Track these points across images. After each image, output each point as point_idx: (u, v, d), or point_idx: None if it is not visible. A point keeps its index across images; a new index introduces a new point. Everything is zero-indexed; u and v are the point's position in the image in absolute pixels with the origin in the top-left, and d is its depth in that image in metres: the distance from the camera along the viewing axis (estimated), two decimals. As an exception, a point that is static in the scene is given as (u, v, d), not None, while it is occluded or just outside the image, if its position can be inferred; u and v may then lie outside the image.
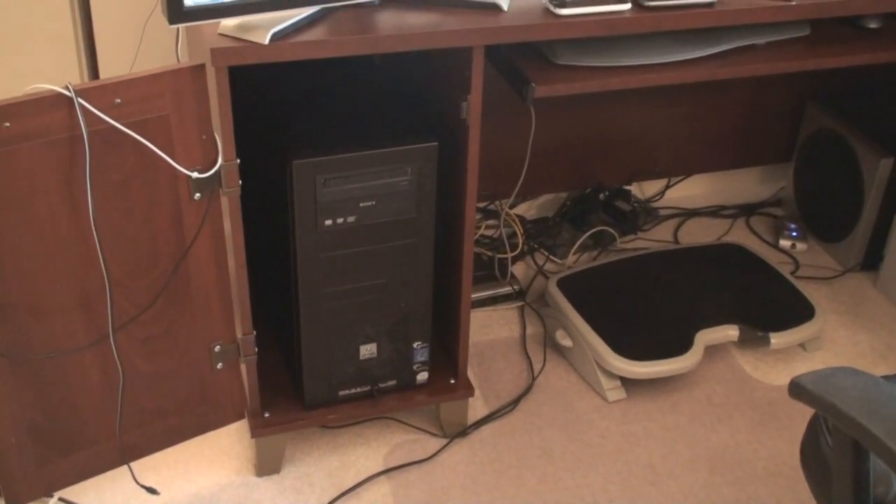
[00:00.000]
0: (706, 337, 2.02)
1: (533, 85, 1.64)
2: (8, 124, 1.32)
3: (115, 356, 1.54)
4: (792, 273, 2.36)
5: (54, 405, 1.57)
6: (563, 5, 1.56)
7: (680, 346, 1.99)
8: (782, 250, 2.48)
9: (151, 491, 1.70)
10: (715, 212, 2.62)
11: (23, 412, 1.54)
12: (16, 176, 1.36)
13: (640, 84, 1.68)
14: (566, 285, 2.16)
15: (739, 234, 2.53)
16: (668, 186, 2.64)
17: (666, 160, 2.58)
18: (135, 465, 1.66)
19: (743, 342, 2.07)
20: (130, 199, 1.46)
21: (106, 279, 1.46)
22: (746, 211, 2.62)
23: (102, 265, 1.45)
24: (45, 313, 1.48)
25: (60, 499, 1.73)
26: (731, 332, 2.04)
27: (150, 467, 1.77)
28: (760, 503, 1.79)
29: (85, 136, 1.35)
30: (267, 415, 1.77)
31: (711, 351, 2.07)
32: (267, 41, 1.41)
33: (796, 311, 2.10)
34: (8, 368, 1.49)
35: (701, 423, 1.96)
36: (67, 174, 1.39)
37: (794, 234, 2.49)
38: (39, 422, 1.56)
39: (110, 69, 1.98)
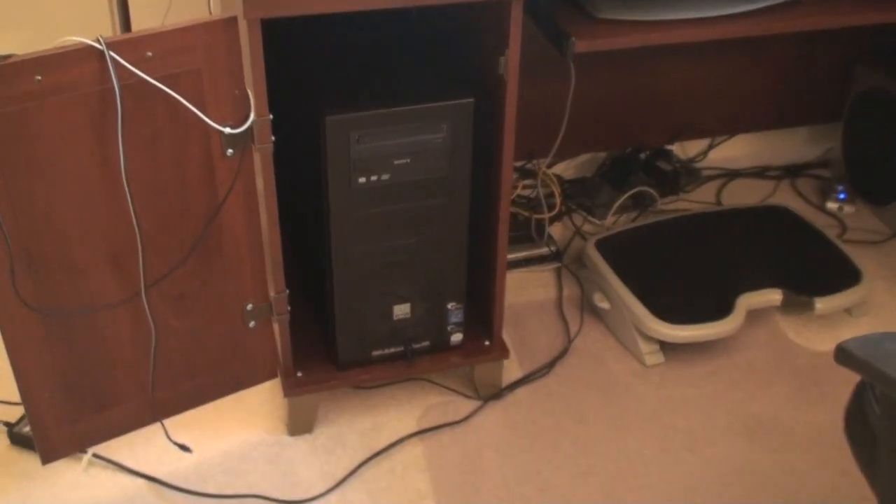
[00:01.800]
0: (748, 301, 2.00)
1: (573, 39, 1.62)
2: (39, 78, 1.33)
3: (148, 313, 1.55)
4: (838, 236, 2.33)
5: (87, 361, 1.59)
6: (605, -44, 1.53)
7: (721, 310, 1.97)
8: (829, 213, 2.44)
9: (184, 448, 1.72)
10: (759, 173, 2.59)
11: (56, 368, 1.56)
12: (47, 130, 1.37)
13: (682, 39, 1.65)
14: (605, 247, 2.14)
15: (784, 196, 2.50)
16: (710, 146, 2.61)
17: (709, 119, 2.55)
18: (167, 422, 1.68)
19: (786, 307, 2.05)
20: (162, 155, 1.47)
21: (138, 235, 1.47)
22: (792, 172, 2.59)
23: (134, 221, 1.46)
24: (77, 269, 1.50)
25: (94, 454, 1.76)
26: (773, 296, 2.02)
27: (183, 425, 1.79)
28: (801, 472, 1.78)
29: (116, 90, 1.35)
30: (300, 374, 1.78)
31: (753, 316, 2.05)
32: (300, -7, 1.40)
33: (842, 276, 2.08)
34: (41, 324, 1.51)
35: (741, 390, 1.95)
36: (98, 129, 1.39)
37: (842, 196, 2.45)
38: (72, 378, 1.58)
39: (142, 22, 1.98)
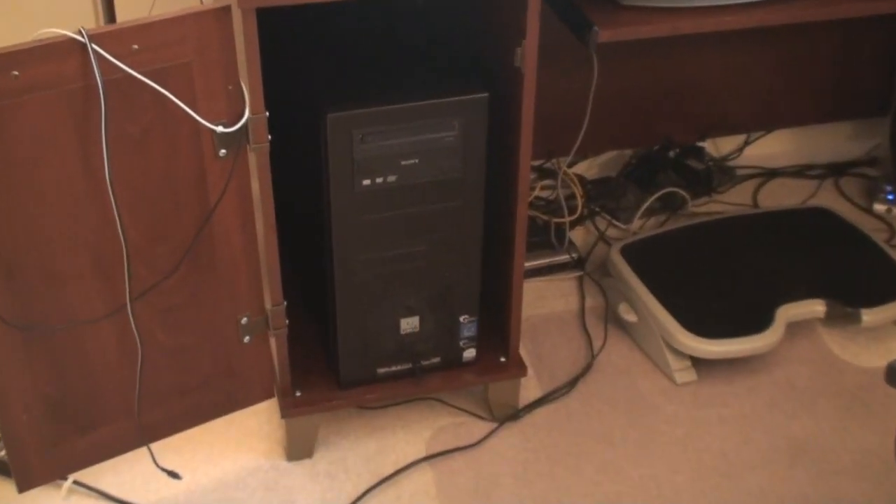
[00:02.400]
0: (788, 312, 2.00)
1: (596, 29, 1.62)
2: (16, 73, 1.34)
3: (134, 328, 1.55)
4: (887, 241, 2.33)
5: (69, 380, 1.60)
6: (630, -62, 1.54)
7: (759, 322, 1.97)
8: (876, 215, 2.44)
9: (173, 475, 1.72)
10: (800, 171, 2.59)
11: (35, 387, 1.57)
12: (25, 130, 1.38)
13: (715, 28, 1.66)
14: (631, 253, 2.15)
15: (827, 197, 2.50)
16: (746, 143, 2.60)
17: (744, 113, 2.55)
18: (155, 446, 1.68)
19: (830, 319, 2.05)
20: (149, 157, 1.47)
21: (123, 244, 1.48)
22: (835, 171, 2.58)
23: (119, 228, 1.47)
24: (58, 281, 1.51)
25: (75, 481, 1.76)
26: (816, 307, 2.02)
27: (172, 449, 1.80)
28: (847, 500, 1.78)
29: (100, 86, 1.36)
30: (298, 393, 1.79)
31: (794, 328, 2.05)
32: (299, -20, 1.41)
33: (891, 285, 2.08)
34: (20, 340, 1.52)
35: (781, 410, 1.95)
36: (81, 128, 1.40)
37: (890, 196, 2.45)
38: (53, 398, 1.59)
39: (127, 12, 1.99)
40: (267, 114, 1.50)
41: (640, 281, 2.07)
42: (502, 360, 1.87)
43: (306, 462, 1.83)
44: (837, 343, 2.09)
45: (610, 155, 2.54)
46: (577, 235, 2.37)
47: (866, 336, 2.10)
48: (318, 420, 1.83)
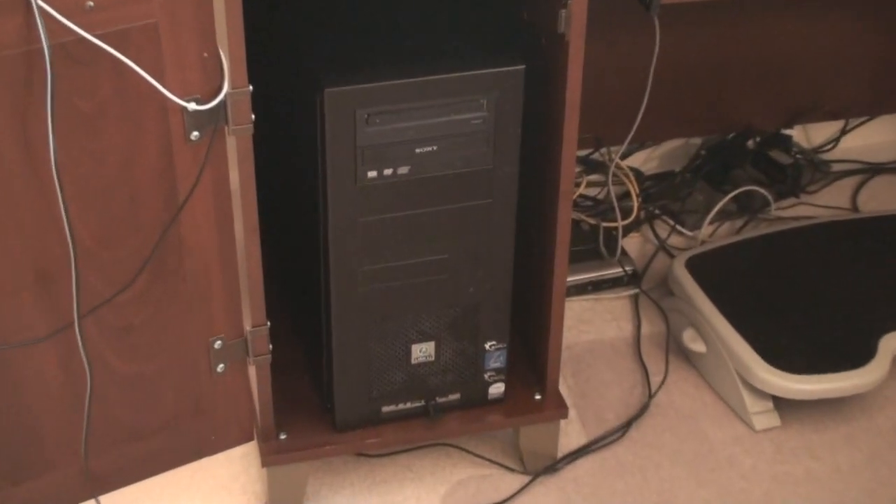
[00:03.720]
0: (894, 343, 2.00)
1: (660, -14, 1.62)
2: (-59, 35, 1.35)
3: (82, 351, 1.56)
4: None
5: (0, 416, 1.60)
6: None
7: (857, 354, 1.97)
8: None
9: (128, 535, 1.73)
10: (910, 168, 2.59)
11: (-41, 425, 1.57)
12: (-48, 105, 1.39)
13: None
14: (699, 266, 2.15)
15: (944, 201, 2.50)
16: (844, 131, 2.61)
17: (842, 95, 2.55)
18: (106, 498, 1.69)
19: (947, 352, 2.04)
20: (105, 139, 1.48)
21: (71, 248, 1.48)
22: (955, 168, 2.59)
23: (67, 228, 1.47)
24: (-11, 292, 1.51)
25: (7, 542, 1.77)
26: (930, 337, 2.02)
27: (127, 503, 1.80)
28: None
29: (46, 52, 1.36)
30: (283, 436, 1.79)
31: (901, 363, 2.04)
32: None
33: None
34: (-60, 365, 1.53)
35: (885, 463, 1.94)
36: (21, 103, 1.41)
37: None
38: (-20, 439, 1.60)
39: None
40: (251, 88, 1.50)
41: (710, 301, 2.06)
42: (537, 397, 1.87)
43: (293, 522, 1.83)
44: (956, 382, 2.08)
45: (673, 144, 2.54)
46: (632, 244, 2.37)
47: None
48: (308, 470, 1.83)
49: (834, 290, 2.11)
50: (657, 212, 2.44)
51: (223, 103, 1.51)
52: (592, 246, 2.29)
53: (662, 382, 2.08)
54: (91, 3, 1.39)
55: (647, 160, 2.53)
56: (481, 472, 1.91)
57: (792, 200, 2.47)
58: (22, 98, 1.40)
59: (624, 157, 2.42)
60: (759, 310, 2.06)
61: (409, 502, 1.86)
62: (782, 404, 2.00)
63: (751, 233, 2.33)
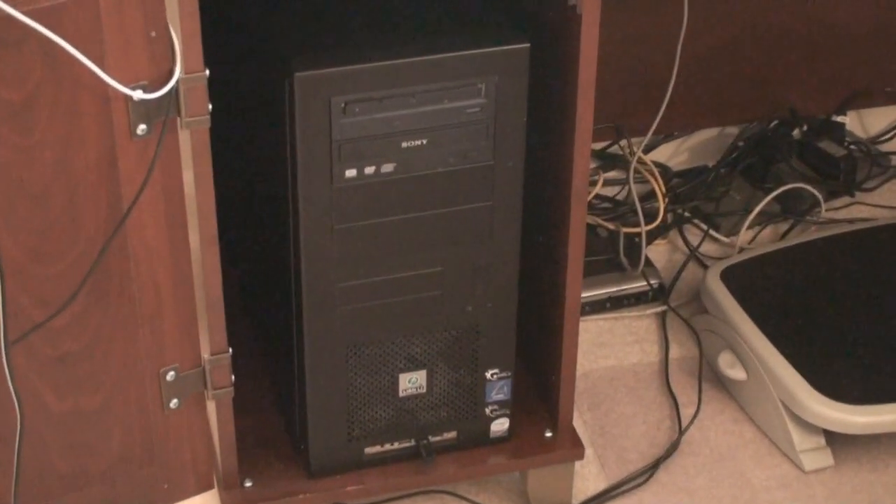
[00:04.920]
0: (969, 368, 2.01)
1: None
2: None
3: (10, 385, 1.55)
4: None
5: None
6: None
7: (924, 381, 1.98)
8: None
9: None
10: None
11: None
12: None
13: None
14: (737, 279, 2.15)
15: None
16: (906, 118, 2.63)
17: (904, 75, 2.57)
18: (39, 561, 1.69)
19: None
20: (36, 135, 1.47)
21: (-3, 261, 1.49)
22: None
23: (-9, 240, 1.48)
24: None
25: None
26: None
27: (63, 566, 1.81)
28: None
29: (-35, 33, 1.38)
30: (249, 484, 1.80)
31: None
32: None
33: None
34: None
35: (959, 510, 1.96)
36: (-66, 94, 1.41)
37: None
38: None
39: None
40: (207, 73, 1.51)
41: (750, 320, 2.07)
42: (548, 434, 1.88)
43: (260, 585, 1.84)
44: None
45: (706, 135, 2.56)
46: (658, 253, 2.39)
47: None
48: (278, 523, 1.84)
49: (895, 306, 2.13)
50: (687, 215, 2.45)
51: (174, 91, 1.50)
52: (611, 256, 2.30)
53: (695, 416, 2.09)
54: (18, -26, 1.40)
55: (674, 154, 2.54)
56: (483, 525, 1.93)
57: (846, 199, 2.49)
58: (-64, 87, 1.41)
59: (647, 150, 2.42)
60: (808, 329, 2.07)
61: (398, 561, 1.88)
62: (835, 440, 2.01)
63: (797, 238, 2.33)
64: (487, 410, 1.83)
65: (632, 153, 2.34)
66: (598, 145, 2.42)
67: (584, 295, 2.13)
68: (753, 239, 2.43)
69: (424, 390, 1.79)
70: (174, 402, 1.71)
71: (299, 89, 1.55)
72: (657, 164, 2.43)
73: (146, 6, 1.46)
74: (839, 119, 2.52)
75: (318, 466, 1.81)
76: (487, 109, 1.62)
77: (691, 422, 2.08)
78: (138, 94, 1.49)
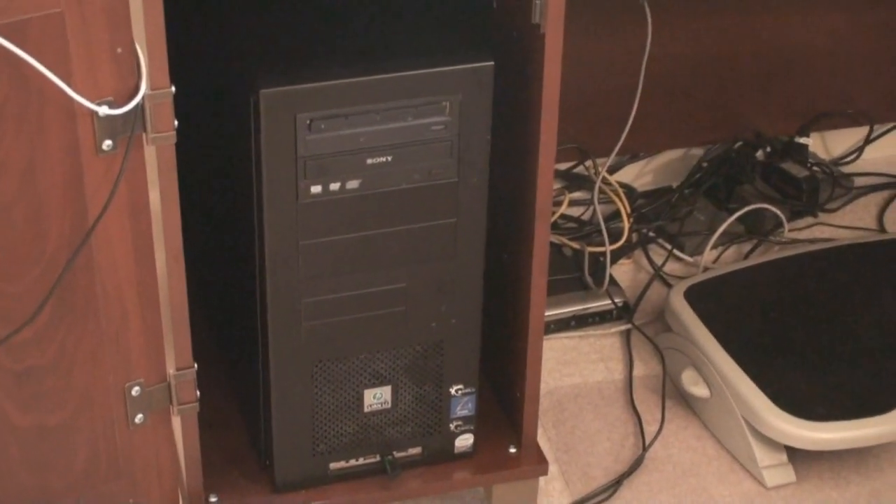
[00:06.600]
0: (928, 385, 2.02)
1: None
2: None
3: (-26, 401, 1.56)
4: None
5: None
6: None
7: (883, 399, 1.98)
8: None
9: None
10: (946, 182, 2.61)
11: None
12: None
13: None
14: (700, 298, 2.16)
15: None
16: (868, 139, 2.62)
17: (866, 97, 2.56)
18: (2, 577, 1.68)
19: None
20: (0, 150, 1.48)
21: (-40, 277, 1.48)
22: None
23: (-45, 255, 1.47)
24: None
25: None
26: (969, 378, 2.04)
27: (27, 581, 1.79)
28: None
29: (-70, 48, 1.37)
30: (214, 499, 1.79)
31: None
32: None
33: None
34: None
35: (919, 526, 1.96)
36: None
37: None
38: None
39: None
40: (173, 89, 1.50)
41: (713, 338, 2.07)
42: (512, 450, 1.88)
43: None
44: None
45: (670, 156, 2.56)
46: (623, 272, 2.39)
47: None
48: (243, 539, 1.83)
49: (857, 325, 2.12)
50: (652, 234, 2.45)
51: (140, 107, 1.50)
52: (576, 274, 2.30)
53: (658, 433, 2.09)
54: (-17, -12, 1.39)
55: (639, 174, 2.54)
56: (447, 541, 1.92)
57: (808, 220, 2.49)
58: None
59: (612, 170, 2.43)
60: (770, 347, 2.07)
61: (362, 577, 1.87)
62: (798, 457, 2.01)
63: (760, 258, 2.34)
64: (452, 426, 1.83)
65: (597, 173, 2.34)
66: (564, 166, 2.42)
67: (549, 313, 2.15)
68: (717, 259, 2.43)
69: (389, 406, 1.79)
70: (139, 418, 1.70)
71: (265, 105, 1.55)
72: (622, 185, 2.43)
73: (112, 22, 1.46)
74: (802, 141, 2.53)
75: (283, 481, 1.80)
76: (452, 127, 1.62)
77: (655, 438, 2.08)
78: (104, 110, 1.48)
